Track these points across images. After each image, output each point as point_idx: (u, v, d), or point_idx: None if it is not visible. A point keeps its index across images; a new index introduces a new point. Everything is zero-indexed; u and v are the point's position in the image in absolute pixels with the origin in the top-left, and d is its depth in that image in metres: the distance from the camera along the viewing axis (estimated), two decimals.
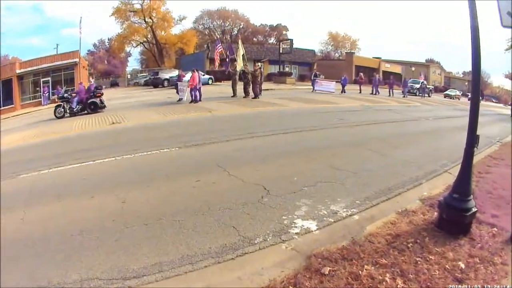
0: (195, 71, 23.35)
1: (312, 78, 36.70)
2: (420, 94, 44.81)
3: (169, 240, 4.82)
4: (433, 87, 58.37)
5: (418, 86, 46.57)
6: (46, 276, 4.12)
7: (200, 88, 23.21)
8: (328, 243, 4.67)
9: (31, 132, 16.15)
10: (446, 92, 58.29)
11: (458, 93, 58.71)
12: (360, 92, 35.34)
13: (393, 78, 40.03)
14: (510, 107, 30.23)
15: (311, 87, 35.72)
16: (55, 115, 20.52)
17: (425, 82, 47.72)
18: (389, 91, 36.73)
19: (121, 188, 6.97)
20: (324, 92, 32.61)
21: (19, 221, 5.69)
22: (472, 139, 4.92)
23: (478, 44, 4.77)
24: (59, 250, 4.68)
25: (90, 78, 25.86)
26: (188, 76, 25.66)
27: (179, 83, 24.77)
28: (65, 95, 21.88)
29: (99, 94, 21.50)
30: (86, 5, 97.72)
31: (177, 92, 24.49)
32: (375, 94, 35.36)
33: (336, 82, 36.36)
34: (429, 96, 45.14)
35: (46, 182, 7.85)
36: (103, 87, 26.68)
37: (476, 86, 5.20)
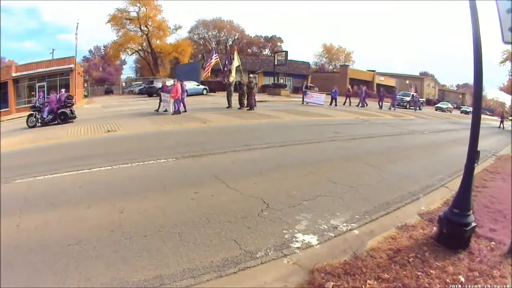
0: (178, 81, 23.09)
1: (303, 90, 36.49)
2: (412, 107, 44.32)
3: (169, 253, 4.77)
4: (424, 100, 58.41)
5: (408, 98, 46.21)
6: (43, 286, 4.05)
7: (183, 99, 22.83)
8: (330, 258, 4.65)
9: (25, 137, 15.99)
10: (438, 105, 58.46)
11: (450, 106, 58.98)
12: (350, 105, 35.25)
13: (383, 91, 39.93)
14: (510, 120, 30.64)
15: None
16: (27, 124, 20.33)
17: (416, 95, 47.45)
18: (378, 103, 36.84)
19: (118, 198, 6.90)
20: (315, 105, 32.55)
21: (14, 227, 5.61)
22: (473, 155, 4.95)
23: (480, 59, 4.80)
24: (56, 260, 4.60)
25: (62, 89, 25.30)
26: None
27: (162, 93, 24.00)
28: (37, 104, 21.69)
29: (70, 105, 21.27)
30: (83, 11, 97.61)
31: (159, 103, 23.93)
32: (362, 106, 35.29)
33: (327, 94, 36.23)
34: (420, 109, 44.74)
35: (42, 188, 7.72)
36: (76, 97, 26.28)
37: (477, 102, 5.22)
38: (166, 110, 22.78)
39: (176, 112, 21.75)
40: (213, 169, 8.99)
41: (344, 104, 35.23)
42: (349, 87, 39.14)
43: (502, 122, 33.31)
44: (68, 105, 21.09)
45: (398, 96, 44.94)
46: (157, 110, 23.32)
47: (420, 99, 49.57)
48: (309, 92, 36.13)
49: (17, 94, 37.77)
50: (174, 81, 23.83)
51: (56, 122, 20.47)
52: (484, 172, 9.85)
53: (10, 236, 5.26)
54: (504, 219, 6.05)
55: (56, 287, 4.05)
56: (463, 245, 4.92)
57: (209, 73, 30.24)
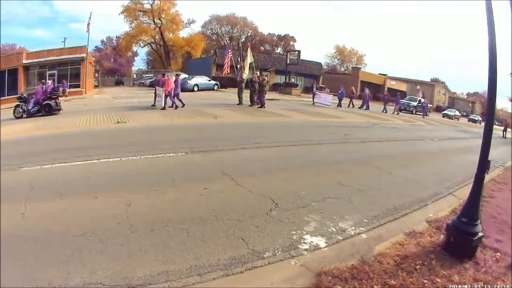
0: (171, 76, 22.45)
1: (314, 91, 36.35)
2: (419, 113, 42.85)
3: (176, 249, 4.74)
4: (431, 105, 57.58)
5: (415, 103, 45.26)
6: (46, 277, 4.01)
7: (178, 94, 22.13)
8: (337, 261, 4.63)
9: (34, 124, 16.10)
10: (445, 111, 57.56)
11: (457, 113, 58.01)
12: (353, 107, 34.92)
13: (387, 94, 39.61)
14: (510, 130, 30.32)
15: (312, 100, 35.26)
16: (14, 115, 20.08)
17: (424, 100, 46.06)
18: (384, 107, 36.59)
19: (125, 190, 6.91)
20: (322, 105, 32.41)
21: (19, 216, 5.58)
22: (484, 165, 4.92)
23: (495, 69, 4.77)
24: (60, 251, 4.57)
25: (48, 80, 25.22)
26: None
27: (157, 87, 22.98)
28: (24, 95, 21.50)
29: (55, 96, 21.21)
30: (96, 1, 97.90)
31: (155, 97, 23.04)
32: (366, 108, 34.95)
33: (334, 95, 36.15)
34: (426, 115, 42.13)
35: (48, 177, 7.73)
36: (66, 88, 25.92)
37: (490, 111, 5.19)
38: (161, 105, 22.17)
39: (173, 107, 21.36)
40: (223, 165, 8.97)
41: (348, 106, 34.90)
42: (353, 88, 38.66)
43: (505, 130, 33.18)
44: (53, 96, 21.06)
45: (404, 101, 44.70)
46: (153, 105, 22.67)
47: (428, 105, 47.80)
48: (317, 93, 35.94)
49: (27, 81, 37.68)
50: (167, 75, 23.32)
51: (41, 113, 20.34)
52: (492, 182, 9.76)
53: (15, 224, 5.26)
54: (510, 231, 6.01)
55: (59, 278, 4.02)
56: (469, 254, 4.91)
57: (228, 70, 30.03)
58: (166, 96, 21.25)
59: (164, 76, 23.76)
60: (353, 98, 36.25)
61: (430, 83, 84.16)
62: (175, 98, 21.69)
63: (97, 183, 7.35)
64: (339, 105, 33.78)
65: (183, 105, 21.86)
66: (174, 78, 22.10)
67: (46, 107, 20.54)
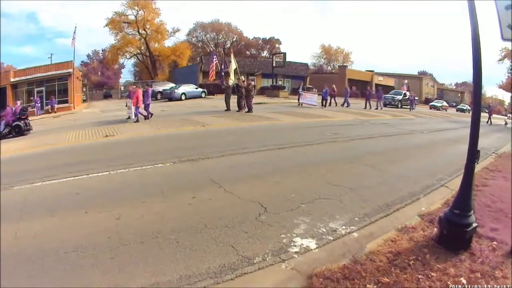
0: (140, 87, 22.09)
1: (299, 92, 36.19)
2: (405, 107, 42.44)
3: (166, 259, 4.72)
4: (417, 98, 56.96)
5: (400, 97, 44.59)
6: None
7: (149, 104, 21.67)
8: (329, 262, 4.60)
9: (24, 143, 15.99)
10: (432, 103, 56.90)
11: (445, 104, 57.50)
12: (336, 105, 34.56)
13: (369, 90, 39.03)
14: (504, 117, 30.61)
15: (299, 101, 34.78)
16: None
17: (411, 94, 45.35)
18: (365, 103, 35.31)
19: (115, 204, 6.87)
20: (308, 105, 32.25)
21: (12, 235, 5.56)
22: (473, 154, 4.90)
23: (479, 57, 4.76)
24: (53, 268, 4.57)
25: (17, 101, 25.10)
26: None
27: (128, 100, 22.85)
28: None
29: (24, 117, 20.98)
30: (81, 15, 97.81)
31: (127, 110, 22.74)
32: (347, 106, 34.48)
33: (319, 94, 35.74)
34: (413, 109, 41.48)
35: (39, 195, 7.70)
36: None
37: (477, 100, 5.15)
38: (129, 117, 21.95)
39: (136, 120, 20.77)
40: (211, 173, 8.94)
41: (329, 104, 34.42)
42: (334, 86, 36.94)
43: (490, 118, 33.47)
44: (22, 117, 20.86)
45: (388, 95, 44.32)
46: (128, 118, 22.09)
47: (415, 98, 46.83)
48: (302, 93, 35.68)
49: (16, 99, 37.38)
50: (134, 87, 23.21)
51: (12, 135, 20.06)
52: (485, 170, 9.80)
53: (8, 244, 5.22)
54: (506, 218, 6.01)
55: None
56: (464, 246, 4.88)
57: (214, 77, 29.95)
58: (136, 108, 20.89)
59: (133, 88, 23.56)
60: (334, 96, 35.57)
61: (418, 76, 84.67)
62: (146, 109, 21.50)
63: (87, 198, 7.31)
64: (324, 104, 33.56)
65: (151, 115, 21.77)
66: (143, 89, 21.93)
67: (16, 128, 20.33)
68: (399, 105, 43.41)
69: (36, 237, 5.57)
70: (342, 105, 35.02)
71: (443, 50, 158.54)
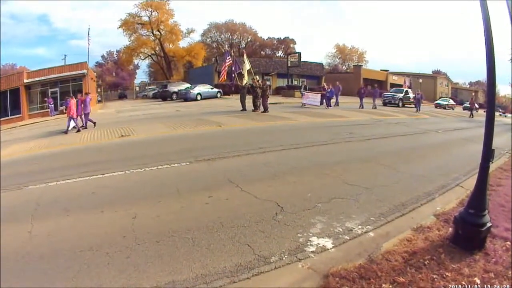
0: (73, 98, 20.44)
1: (302, 92, 35.39)
2: (411, 106, 38.23)
3: (182, 258, 4.74)
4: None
5: (401, 95, 40.95)
6: None
7: (88, 113, 20.01)
8: (345, 262, 4.59)
9: (39, 143, 16.13)
10: (437, 101, 54.76)
11: (451, 102, 54.08)
12: (338, 105, 33.51)
13: (363, 87, 35.50)
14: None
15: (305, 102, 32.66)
16: None
17: (418, 92, 37.91)
18: (360, 102, 32.43)
19: (131, 203, 6.92)
20: (311, 106, 30.81)
21: (26, 234, 5.63)
22: (488, 154, 4.84)
23: (492, 55, 4.68)
24: (68, 266, 4.60)
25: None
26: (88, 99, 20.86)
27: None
28: None
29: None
30: (95, 16, 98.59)
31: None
32: (336, 104, 32.87)
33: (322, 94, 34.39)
34: (419, 110, 34.52)
35: (54, 194, 7.77)
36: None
37: (491, 99, 5.11)
38: (74, 127, 19.50)
39: (65, 131, 18.75)
40: (227, 172, 8.96)
41: (321, 104, 31.32)
42: (324, 85, 35.61)
43: (471, 111, 33.81)
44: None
45: (388, 93, 42.67)
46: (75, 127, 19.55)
47: (422, 96, 38.46)
48: (305, 93, 34.66)
49: (30, 100, 38.24)
50: (69, 97, 21.64)
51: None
52: (499, 170, 9.65)
53: (22, 243, 5.30)
54: None
55: None
56: (478, 245, 4.85)
57: (225, 77, 29.88)
58: (69, 119, 19.21)
59: (77, 96, 21.44)
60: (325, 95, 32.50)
61: (432, 75, 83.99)
62: (85, 118, 20.04)
63: (103, 198, 7.38)
64: (329, 104, 31.32)
65: (94, 124, 20.28)
66: (77, 99, 20.30)
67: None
68: (400, 104, 40.04)
69: (50, 235, 5.62)
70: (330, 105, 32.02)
71: (457, 48, 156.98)
